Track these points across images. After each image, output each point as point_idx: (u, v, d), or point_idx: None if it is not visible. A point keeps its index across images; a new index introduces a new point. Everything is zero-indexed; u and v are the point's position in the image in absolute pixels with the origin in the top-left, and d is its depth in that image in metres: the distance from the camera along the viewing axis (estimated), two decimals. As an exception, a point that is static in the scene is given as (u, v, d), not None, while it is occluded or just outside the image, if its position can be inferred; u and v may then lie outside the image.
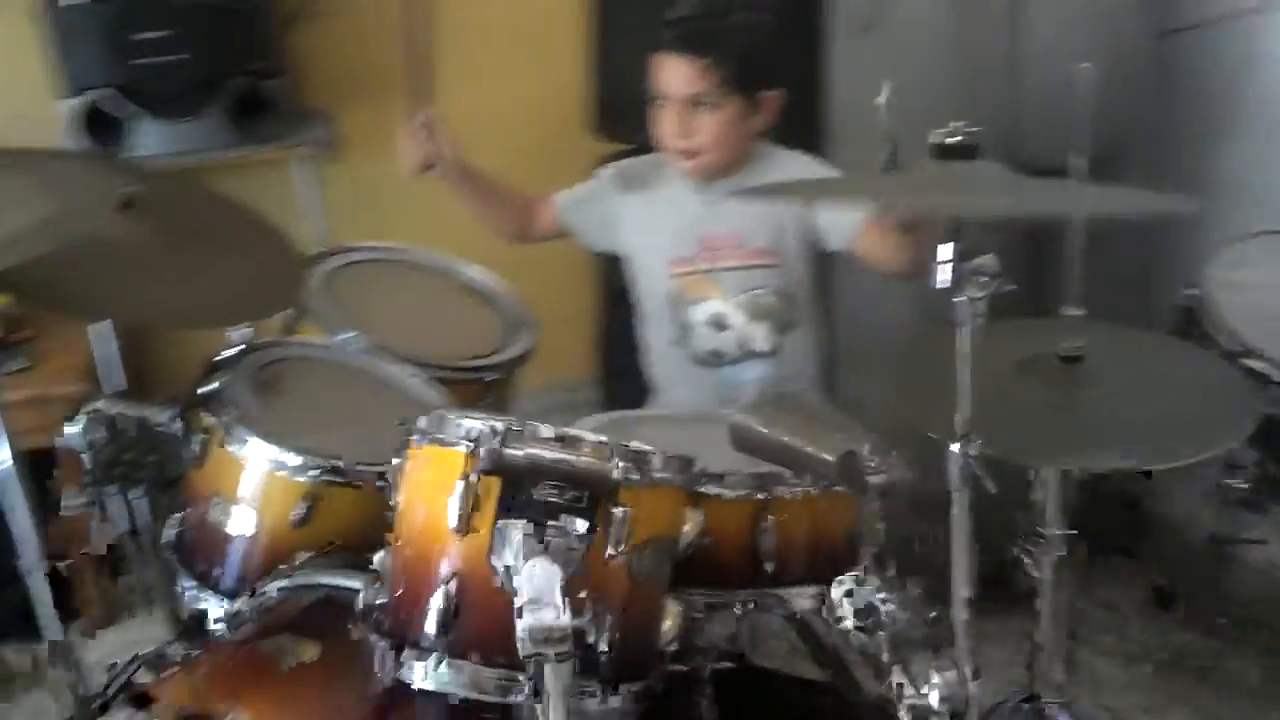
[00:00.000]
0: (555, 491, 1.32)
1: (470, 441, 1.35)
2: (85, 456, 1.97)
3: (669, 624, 1.51)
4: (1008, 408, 1.64)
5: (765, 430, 1.53)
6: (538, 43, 3.33)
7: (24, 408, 2.56)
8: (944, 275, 1.33)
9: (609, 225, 2.38)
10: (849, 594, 1.39)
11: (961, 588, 1.50)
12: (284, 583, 1.75)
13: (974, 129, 1.34)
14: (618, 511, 1.38)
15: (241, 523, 1.81)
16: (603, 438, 1.38)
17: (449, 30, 3.20)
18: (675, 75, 2.17)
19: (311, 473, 1.77)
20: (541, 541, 1.26)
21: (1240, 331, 2.02)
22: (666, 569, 1.49)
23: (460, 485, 1.35)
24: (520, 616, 1.18)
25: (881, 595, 1.38)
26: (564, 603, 1.18)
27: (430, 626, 1.37)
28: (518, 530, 1.29)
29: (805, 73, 2.80)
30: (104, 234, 1.83)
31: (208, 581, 1.85)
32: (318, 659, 1.65)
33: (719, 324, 2.28)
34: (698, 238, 2.27)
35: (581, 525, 1.31)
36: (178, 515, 1.91)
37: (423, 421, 1.43)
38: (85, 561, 2.80)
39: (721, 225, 2.26)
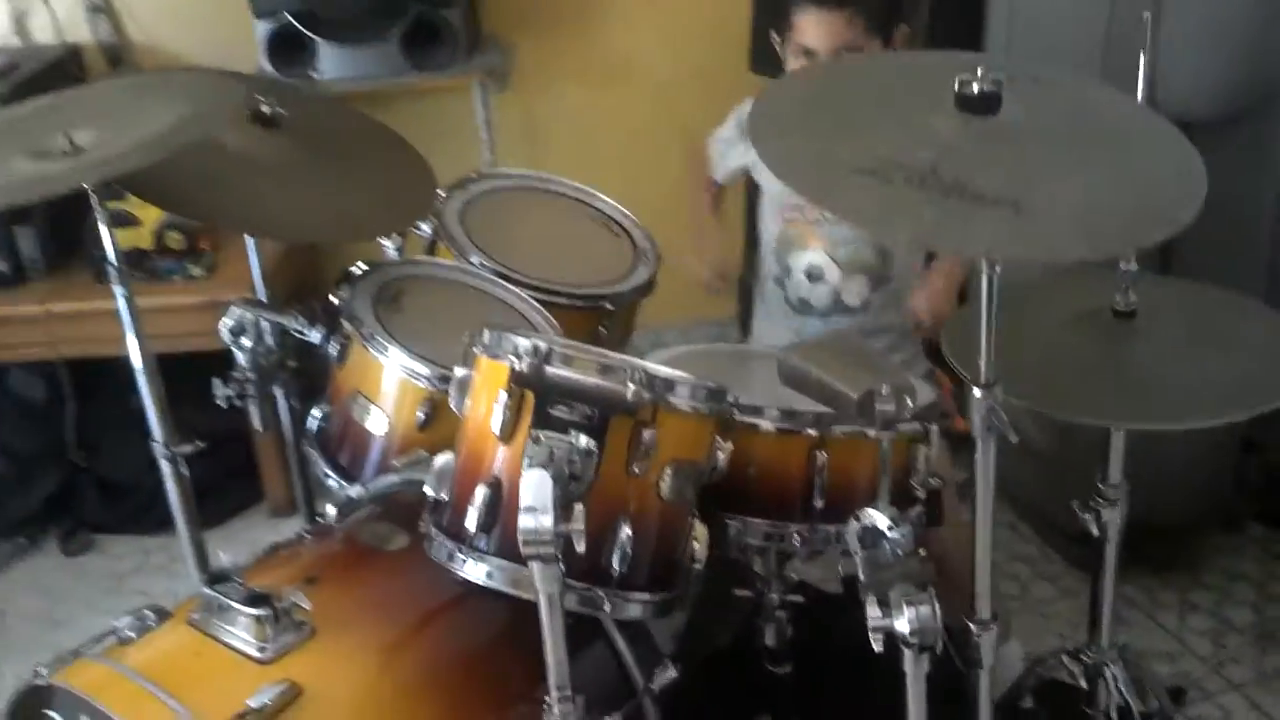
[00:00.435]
0: (567, 409, 1.43)
1: (514, 356, 1.48)
2: (237, 354, 2.18)
3: (698, 545, 1.61)
4: (1057, 361, 1.66)
5: (805, 366, 1.59)
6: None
7: (201, 311, 2.87)
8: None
9: (744, 166, 2.45)
10: (857, 518, 1.45)
11: (984, 532, 1.55)
12: (394, 477, 1.94)
13: (998, 77, 1.35)
14: (646, 433, 1.49)
15: (377, 421, 1.99)
16: (631, 362, 1.48)
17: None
18: (821, 29, 2.20)
19: (430, 380, 1.93)
20: (550, 455, 1.36)
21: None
22: (692, 491, 1.59)
23: (503, 395, 1.48)
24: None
25: (889, 525, 1.43)
26: (556, 508, 1.29)
27: (472, 524, 1.51)
28: (537, 440, 1.40)
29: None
30: (244, 149, 2.04)
31: (348, 473, 2.03)
32: (406, 548, 1.83)
33: (815, 275, 2.34)
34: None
35: (585, 440, 1.43)
36: (320, 410, 2.11)
37: (485, 336, 1.56)
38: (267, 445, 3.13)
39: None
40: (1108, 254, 1.76)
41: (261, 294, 2.33)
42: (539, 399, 1.46)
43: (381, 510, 1.91)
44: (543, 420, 1.46)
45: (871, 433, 1.68)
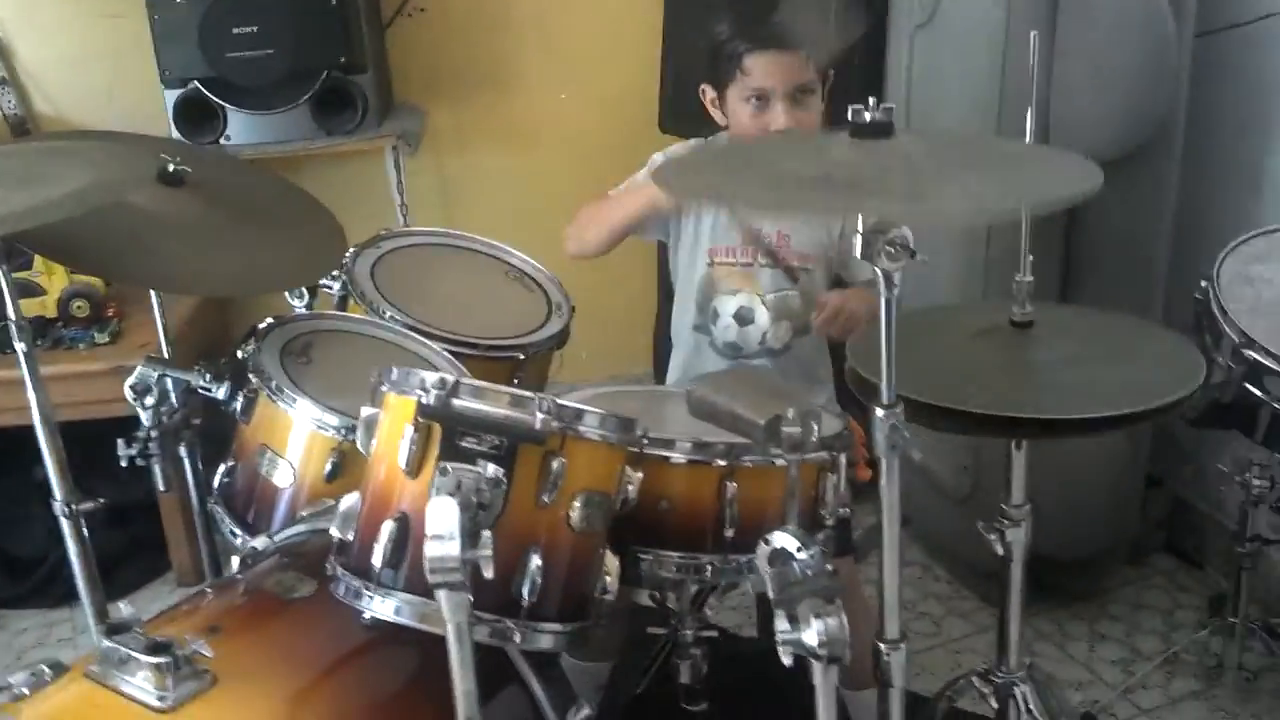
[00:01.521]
0: (475, 440, 1.44)
1: (422, 390, 1.48)
2: (141, 413, 2.16)
3: (609, 578, 1.62)
4: (959, 368, 1.70)
5: (713, 397, 1.61)
6: (616, 46, 3.46)
7: (107, 377, 2.84)
8: (859, 246, 1.40)
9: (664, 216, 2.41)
10: (767, 541, 1.46)
11: (891, 553, 1.57)
12: (300, 527, 1.92)
13: (889, 105, 1.40)
14: (555, 462, 1.50)
15: (284, 474, 1.98)
16: (532, 395, 1.49)
17: (537, 35, 3.42)
18: (777, 70, 2.21)
19: (339, 430, 1.92)
20: (457, 484, 1.36)
21: (1244, 324, 2.01)
22: (602, 522, 1.60)
23: (409, 430, 1.48)
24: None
25: (798, 546, 1.44)
26: (464, 535, 1.29)
27: (378, 560, 1.50)
28: (445, 472, 1.40)
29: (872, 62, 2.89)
30: (151, 208, 2.04)
31: (254, 529, 2.00)
32: (312, 595, 1.81)
33: (744, 318, 2.34)
34: (746, 231, 2.32)
35: (493, 469, 1.43)
36: (225, 466, 2.08)
37: (392, 373, 1.56)
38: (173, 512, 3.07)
39: (769, 223, 2.32)
40: (996, 217, 1.90)
41: (165, 352, 2.31)
42: (446, 431, 1.47)
43: (288, 560, 1.88)
44: (450, 452, 1.46)
45: (780, 461, 1.72)
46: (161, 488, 2.25)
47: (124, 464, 2.19)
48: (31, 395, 1.97)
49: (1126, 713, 2.54)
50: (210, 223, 2.11)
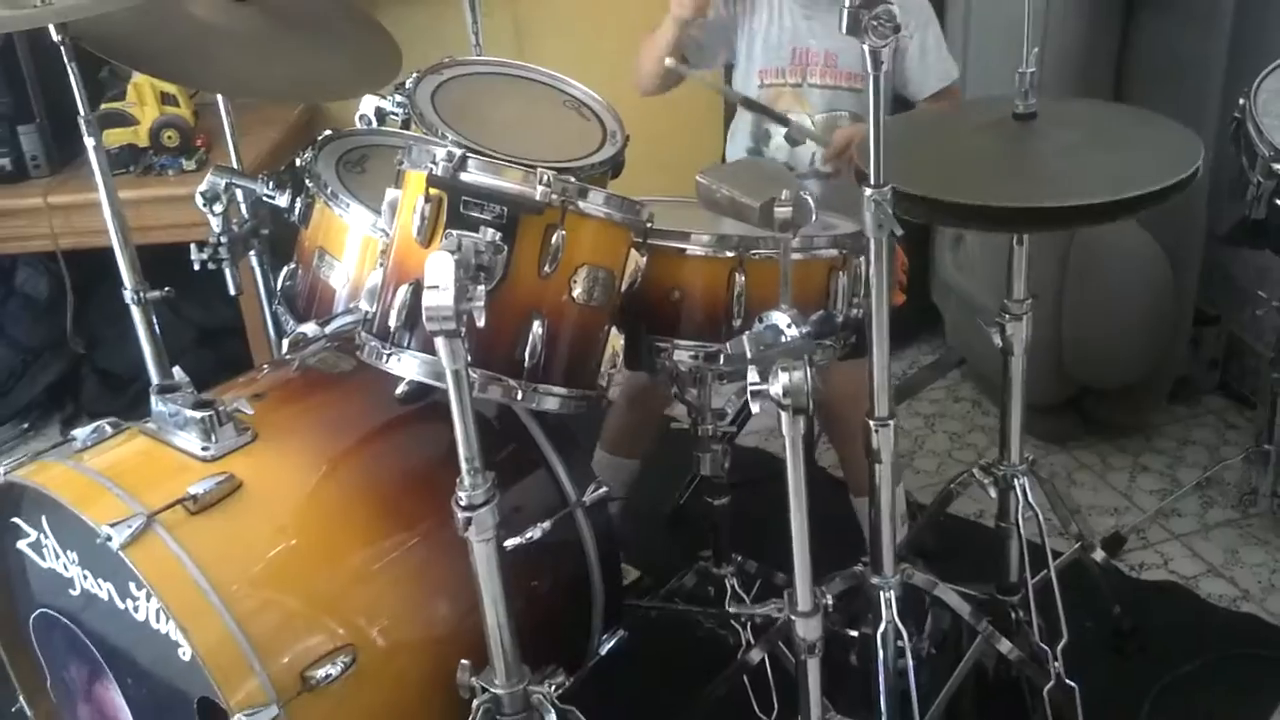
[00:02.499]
0: (479, 209, 1.53)
1: (432, 163, 1.58)
2: (210, 219, 2.30)
3: (610, 352, 1.72)
4: (960, 161, 1.74)
5: (716, 184, 1.68)
6: None
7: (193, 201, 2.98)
8: (845, 21, 1.44)
9: (721, 38, 2.43)
10: (760, 319, 1.53)
11: (881, 337, 1.63)
12: (348, 317, 2.04)
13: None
14: (555, 235, 1.59)
15: (340, 275, 2.08)
16: (540, 171, 1.57)
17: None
18: None
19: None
20: (458, 244, 1.45)
21: (1276, 139, 2.00)
22: (604, 296, 1.69)
23: (420, 201, 1.58)
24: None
25: (789, 323, 1.51)
26: (458, 286, 1.38)
27: (395, 322, 1.62)
28: (449, 237, 1.49)
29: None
30: (217, 21, 2.16)
31: None
32: (352, 370, 1.95)
33: (795, 139, 2.37)
34: (791, 51, 2.35)
35: (493, 234, 1.52)
36: (288, 269, 2.20)
37: (411, 150, 1.66)
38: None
39: (816, 42, 2.33)
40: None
41: (235, 162, 2.44)
42: (452, 200, 1.56)
43: (333, 343, 2.01)
44: (456, 220, 1.56)
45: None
46: (233, 291, 2.40)
47: (195, 267, 2.33)
48: (103, 189, 2.13)
49: (1158, 536, 2.57)
50: (271, 35, 2.21)
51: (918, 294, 3.24)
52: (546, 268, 1.61)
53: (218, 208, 2.29)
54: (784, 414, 1.43)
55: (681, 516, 2.67)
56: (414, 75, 2.46)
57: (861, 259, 1.88)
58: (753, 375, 1.43)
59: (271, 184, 2.23)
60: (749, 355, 1.45)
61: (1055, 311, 2.63)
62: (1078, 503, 2.59)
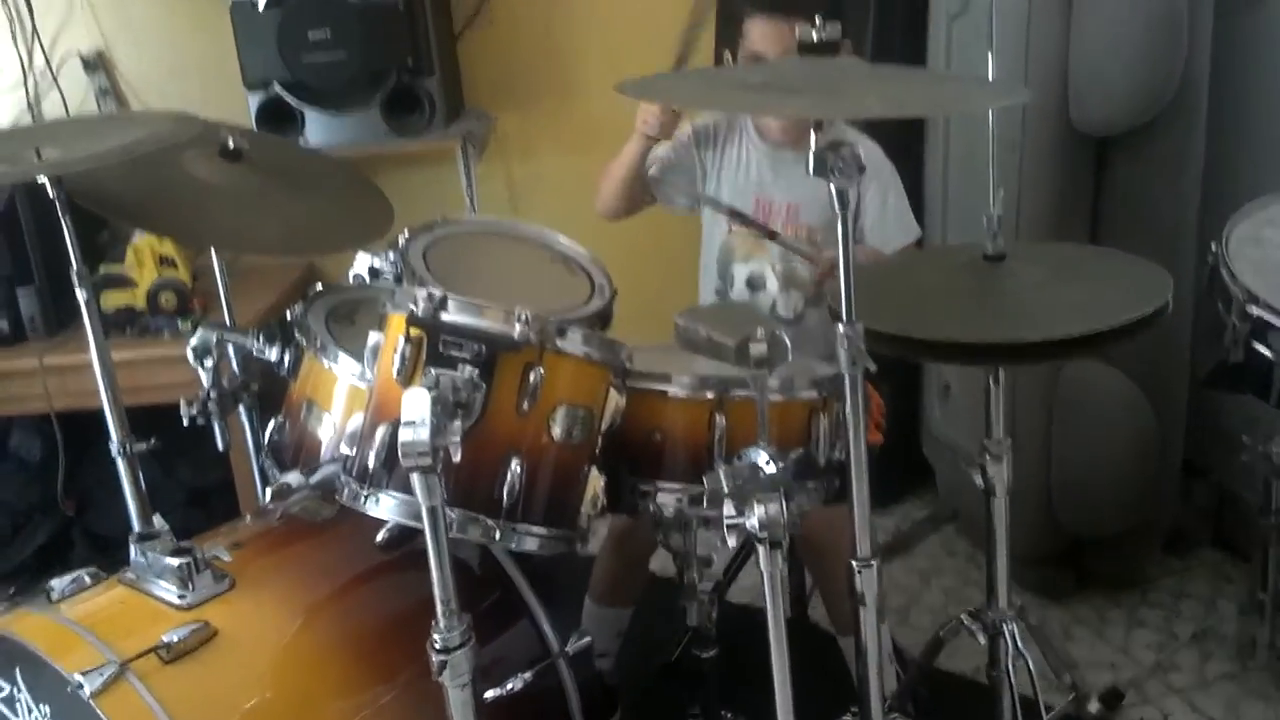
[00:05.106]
0: (458, 348, 1.56)
1: (413, 304, 1.60)
2: (200, 374, 2.32)
3: (591, 493, 1.71)
4: (934, 301, 1.77)
5: (693, 325, 1.70)
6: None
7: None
8: (811, 163, 1.48)
9: (690, 181, 2.51)
10: (739, 456, 1.53)
11: (860, 464, 1.63)
12: (333, 466, 2.03)
13: (837, 23, 1.49)
14: (534, 373, 1.61)
15: (327, 427, 2.07)
16: (518, 310, 1.60)
17: (600, 44, 3.56)
18: (769, 37, 2.26)
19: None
20: (435, 381, 1.46)
21: (1248, 282, 2.03)
22: (585, 433, 1.70)
23: (401, 341, 1.60)
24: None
25: (767, 460, 1.51)
26: (433, 422, 1.39)
27: (372, 462, 1.62)
28: (428, 375, 1.51)
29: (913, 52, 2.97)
30: (212, 179, 2.22)
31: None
32: (333, 517, 1.93)
33: (756, 284, 2.43)
34: (755, 200, 2.43)
35: (470, 371, 1.54)
36: (275, 422, 2.21)
37: (394, 294, 1.69)
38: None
39: (781, 194, 2.41)
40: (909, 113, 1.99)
41: (227, 319, 2.48)
42: (431, 339, 1.59)
43: (316, 492, 2.01)
44: (436, 359, 1.58)
45: (773, 397, 1.80)
46: (220, 446, 2.40)
47: (185, 422, 2.34)
48: (93, 339, 2.15)
49: (1157, 691, 2.52)
50: (264, 192, 2.28)
51: (908, 448, 3.27)
52: (525, 405, 1.62)
53: (208, 362, 2.31)
54: (761, 548, 1.42)
55: (676, 670, 2.61)
56: (405, 233, 2.53)
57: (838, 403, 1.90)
58: (729, 509, 1.43)
59: (262, 338, 2.26)
60: (725, 489, 1.45)
61: (1043, 457, 2.63)
62: (1074, 657, 2.55)
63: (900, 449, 2.90)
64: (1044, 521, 2.69)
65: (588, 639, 1.91)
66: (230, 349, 2.32)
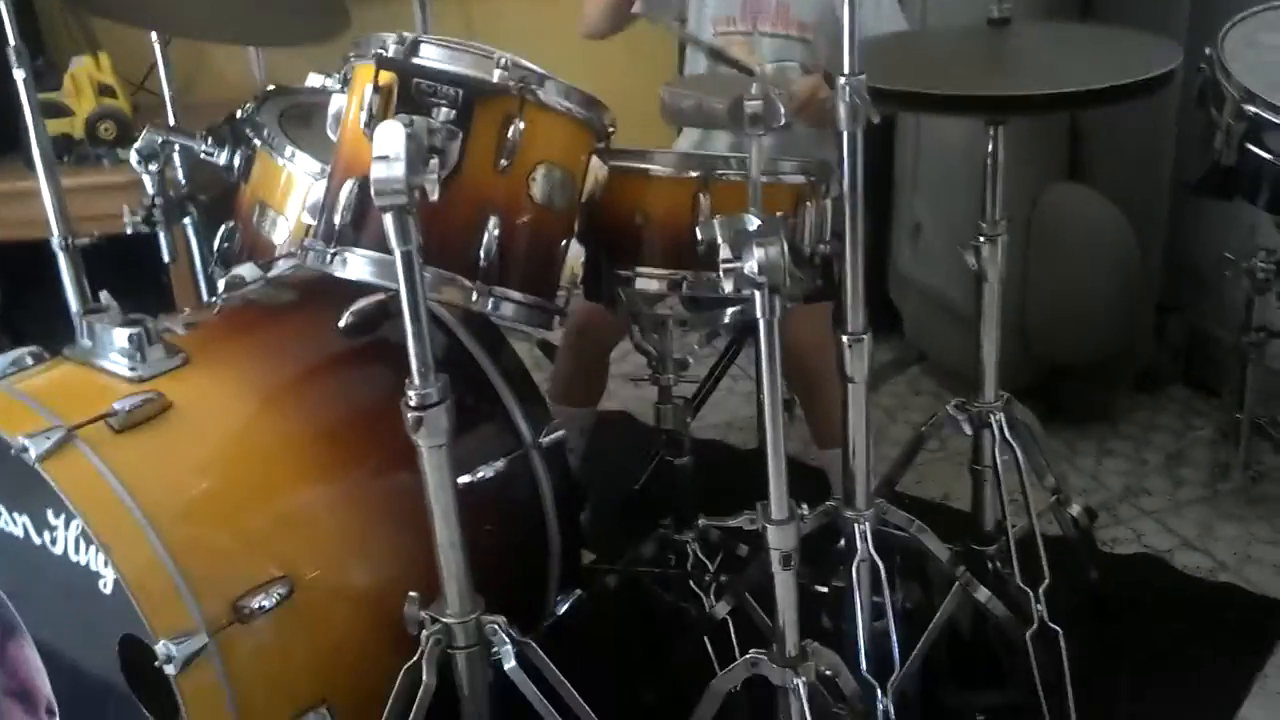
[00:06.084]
0: (432, 92, 1.45)
1: (381, 48, 1.49)
2: (145, 180, 2.18)
3: (570, 270, 1.63)
4: (939, 61, 1.69)
5: (681, 94, 1.61)
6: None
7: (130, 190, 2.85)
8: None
9: None
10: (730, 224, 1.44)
11: (856, 226, 1.55)
12: (288, 261, 1.92)
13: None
14: (513, 125, 1.50)
15: (281, 229, 1.97)
16: (497, 54, 1.49)
17: None
18: None
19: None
20: (409, 121, 1.35)
21: (1245, 81, 1.97)
22: (565, 199, 1.60)
23: (369, 89, 1.49)
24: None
25: (758, 232, 1.42)
26: (409, 157, 1.28)
27: (338, 219, 1.52)
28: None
29: None
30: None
31: None
32: (295, 300, 1.86)
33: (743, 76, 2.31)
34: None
35: (447, 112, 1.44)
36: (226, 228, 2.09)
37: (358, 43, 1.57)
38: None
39: None
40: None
41: (171, 120, 2.34)
42: (403, 83, 1.48)
43: (272, 283, 1.90)
44: (408, 104, 1.47)
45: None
46: (167, 258, 2.29)
47: (129, 230, 2.22)
48: (33, 129, 2.02)
49: (1129, 514, 2.50)
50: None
51: (873, 292, 3.20)
52: (503, 161, 1.52)
53: (153, 166, 2.19)
54: (758, 294, 1.34)
55: (640, 502, 2.56)
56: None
57: (830, 200, 1.82)
58: (725, 252, 1.34)
59: (210, 140, 2.13)
60: (723, 240, 1.37)
61: (1020, 288, 2.58)
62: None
63: (867, 293, 2.82)
64: (1019, 353, 2.64)
65: (561, 432, 1.84)
66: (177, 154, 2.20)
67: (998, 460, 1.85)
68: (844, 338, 1.59)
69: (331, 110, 1.66)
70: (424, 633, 1.52)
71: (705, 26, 2.34)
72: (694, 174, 1.74)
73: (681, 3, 2.37)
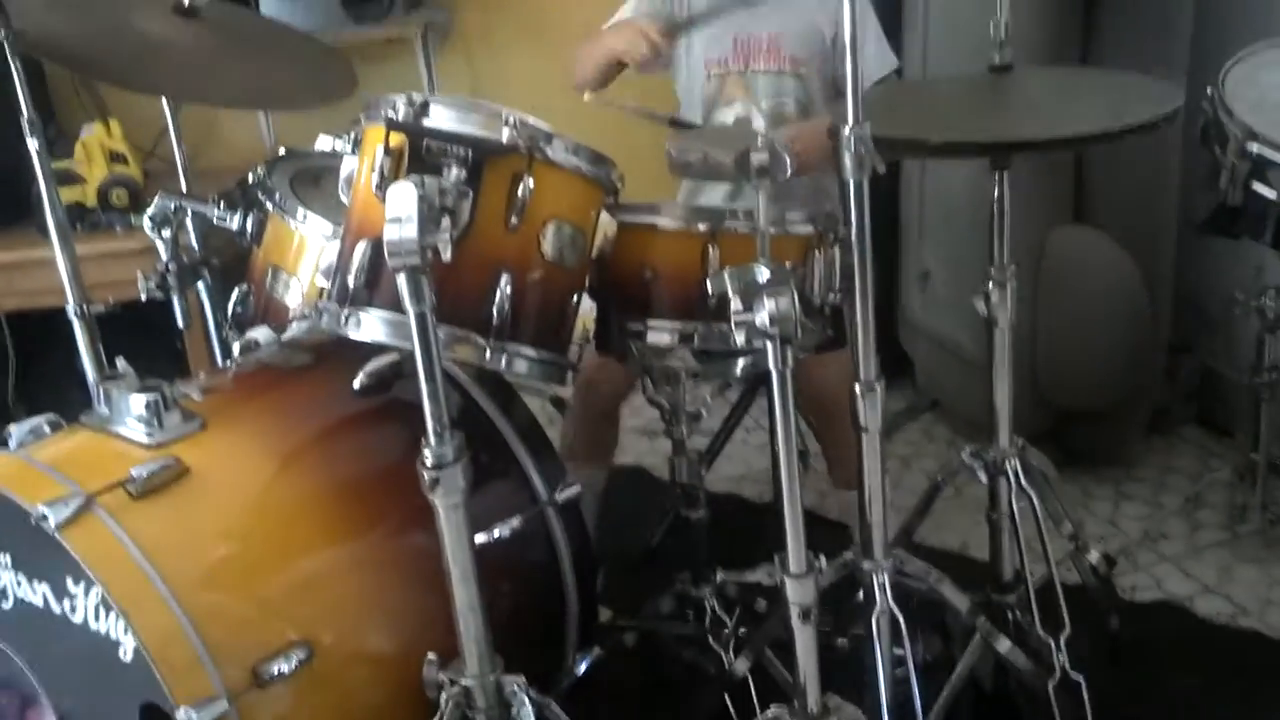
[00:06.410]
0: (442, 152, 1.47)
1: (391, 111, 1.51)
2: (158, 245, 2.20)
3: (581, 325, 1.64)
4: (941, 108, 1.70)
5: (687, 148, 1.63)
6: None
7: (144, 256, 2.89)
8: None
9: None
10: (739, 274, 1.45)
11: (863, 273, 1.56)
12: (303, 324, 1.94)
13: None
14: (522, 183, 1.52)
15: (294, 292, 2.00)
16: (505, 113, 1.50)
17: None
18: None
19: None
20: (420, 181, 1.36)
21: (1248, 119, 1.98)
22: (576, 255, 1.62)
23: (379, 151, 1.51)
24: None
25: (766, 277, 1.43)
26: (421, 219, 1.29)
27: (352, 280, 1.53)
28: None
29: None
30: (167, 34, 2.10)
31: None
32: (310, 364, 1.86)
33: (742, 126, 2.34)
34: (733, 39, 2.34)
35: (457, 172, 1.45)
36: (239, 292, 2.11)
37: (367, 105, 1.59)
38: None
39: (759, 28, 2.33)
40: None
41: (184, 187, 2.36)
42: (414, 144, 1.49)
43: (287, 345, 1.91)
44: (419, 164, 1.49)
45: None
46: (181, 323, 2.30)
47: (143, 296, 2.23)
48: (47, 196, 2.03)
49: (1148, 560, 2.49)
50: (221, 47, 2.15)
51: (885, 340, 3.19)
52: (514, 219, 1.53)
53: (166, 232, 2.20)
54: (770, 345, 1.34)
55: (656, 557, 2.55)
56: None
57: (838, 247, 1.82)
58: (736, 304, 1.35)
59: (222, 204, 2.15)
60: (733, 291, 1.37)
61: (1029, 333, 2.58)
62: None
63: (878, 341, 2.83)
64: (1030, 398, 2.64)
65: (576, 487, 1.84)
66: (189, 219, 2.21)
67: (1014, 508, 1.84)
68: (856, 387, 1.59)
69: (343, 173, 1.68)
70: (443, 695, 1.51)
71: (698, 71, 2.37)
72: (702, 227, 1.75)
73: (673, 55, 2.39)
